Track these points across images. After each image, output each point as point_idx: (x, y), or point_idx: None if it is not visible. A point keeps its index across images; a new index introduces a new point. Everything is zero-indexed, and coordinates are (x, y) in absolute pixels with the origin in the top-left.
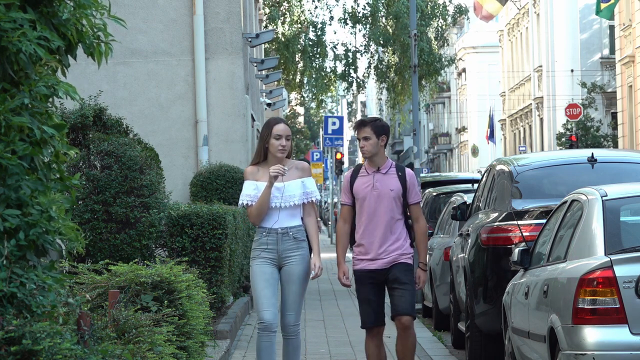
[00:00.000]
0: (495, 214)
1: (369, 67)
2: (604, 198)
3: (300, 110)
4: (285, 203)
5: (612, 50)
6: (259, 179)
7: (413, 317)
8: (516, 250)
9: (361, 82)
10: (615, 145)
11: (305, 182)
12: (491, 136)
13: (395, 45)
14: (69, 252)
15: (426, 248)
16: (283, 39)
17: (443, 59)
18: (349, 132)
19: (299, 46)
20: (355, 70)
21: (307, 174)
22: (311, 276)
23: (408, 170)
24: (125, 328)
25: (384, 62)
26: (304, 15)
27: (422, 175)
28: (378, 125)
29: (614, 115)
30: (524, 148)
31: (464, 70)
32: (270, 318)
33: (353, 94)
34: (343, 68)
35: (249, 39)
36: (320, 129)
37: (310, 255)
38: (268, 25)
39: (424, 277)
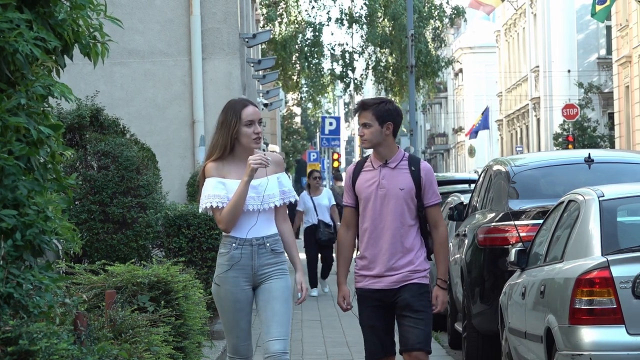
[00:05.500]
0: (492, 214)
1: (366, 68)
2: (600, 198)
3: (297, 110)
4: (265, 205)
5: (609, 51)
6: (226, 176)
7: (428, 352)
8: (513, 251)
9: (358, 83)
10: (612, 146)
11: (281, 178)
12: (482, 127)
13: (393, 46)
14: (65, 253)
15: (446, 260)
16: (280, 40)
17: (440, 60)
18: (345, 133)
19: (296, 46)
20: (353, 71)
21: (282, 168)
22: (297, 300)
23: (424, 164)
24: (122, 328)
25: (381, 63)
26: (301, 15)
27: None
28: (382, 109)
29: (611, 116)
30: (520, 148)
31: (460, 70)
32: (247, 353)
33: (350, 94)
34: (340, 69)
35: (246, 39)
36: (317, 130)
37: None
38: (265, 25)
39: (443, 297)
